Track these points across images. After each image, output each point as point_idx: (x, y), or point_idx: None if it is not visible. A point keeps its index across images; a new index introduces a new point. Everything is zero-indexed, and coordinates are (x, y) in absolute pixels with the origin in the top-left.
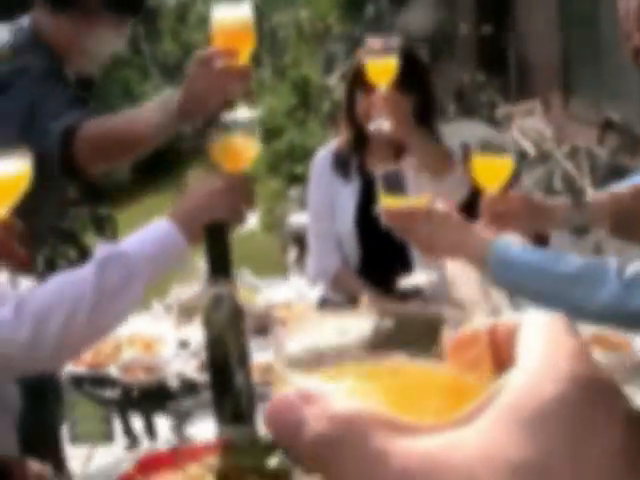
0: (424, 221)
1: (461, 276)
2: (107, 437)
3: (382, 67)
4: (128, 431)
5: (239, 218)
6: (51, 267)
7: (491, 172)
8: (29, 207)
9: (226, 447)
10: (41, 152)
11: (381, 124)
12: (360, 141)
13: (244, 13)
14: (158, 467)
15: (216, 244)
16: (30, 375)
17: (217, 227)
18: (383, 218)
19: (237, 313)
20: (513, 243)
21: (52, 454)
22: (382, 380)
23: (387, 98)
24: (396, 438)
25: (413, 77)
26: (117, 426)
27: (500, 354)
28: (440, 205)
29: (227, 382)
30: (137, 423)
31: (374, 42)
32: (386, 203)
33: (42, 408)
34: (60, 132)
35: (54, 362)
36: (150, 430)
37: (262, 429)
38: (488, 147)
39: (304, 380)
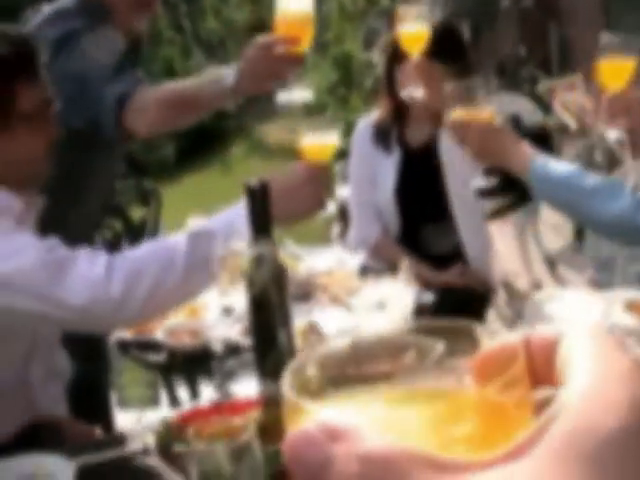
0: (482, 130)
1: (504, 249)
2: (153, 401)
3: (414, 36)
4: (172, 395)
5: (321, 207)
6: (98, 239)
7: (615, 72)
8: (84, 185)
9: (267, 402)
10: (92, 117)
11: (413, 91)
12: (400, 113)
13: (306, 5)
14: (200, 419)
15: (257, 204)
16: (82, 339)
17: (258, 188)
18: (449, 128)
19: (279, 272)
20: (551, 160)
21: (101, 417)
22: (408, 409)
23: (419, 66)
24: (439, 478)
25: (451, 47)
26: (163, 393)
27: (535, 369)
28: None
29: (269, 340)
30: (182, 393)
31: (406, 10)
32: (455, 114)
33: (91, 373)
34: (114, 99)
35: (135, 322)
36: (194, 394)
37: None
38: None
39: (324, 410)
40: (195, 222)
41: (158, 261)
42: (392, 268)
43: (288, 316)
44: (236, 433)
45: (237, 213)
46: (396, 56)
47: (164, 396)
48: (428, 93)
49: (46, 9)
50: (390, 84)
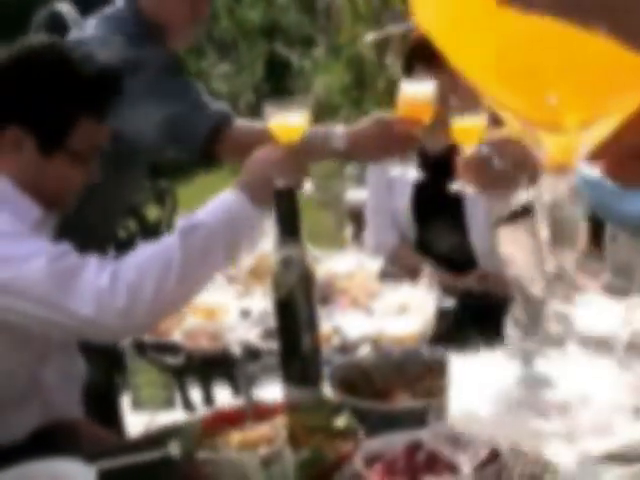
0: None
1: (517, 255)
2: (168, 404)
3: (468, 129)
4: (186, 399)
5: (298, 184)
6: (114, 239)
7: None
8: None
9: (293, 407)
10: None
11: (463, 187)
12: None
13: (429, 89)
14: (225, 424)
15: (285, 206)
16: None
17: (286, 189)
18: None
19: (307, 275)
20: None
21: (113, 419)
22: None
23: (470, 164)
24: None
25: None
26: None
27: None
28: None
29: (295, 344)
30: (195, 395)
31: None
32: (490, 135)
33: (105, 375)
34: (208, 128)
35: (144, 329)
36: (208, 398)
37: (328, 392)
38: None
39: None
40: (181, 219)
41: (157, 263)
42: (411, 274)
43: (314, 321)
44: (265, 440)
45: (222, 200)
46: (416, 56)
47: (179, 398)
48: (477, 186)
49: (99, 20)
50: None
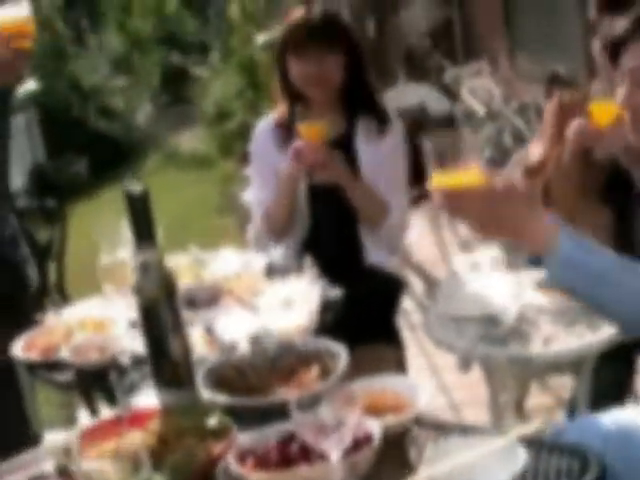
0: (482, 200)
1: (419, 238)
2: (69, 422)
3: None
4: (94, 413)
5: None
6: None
7: None
8: None
9: (167, 411)
10: None
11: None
12: (300, 107)
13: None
14: (101, 436)
15: (138, 211)
16: None
17: (138, 194)
18: (434, 199)
19: (166, 278)
20: (580, 239)
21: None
22: None
23: None
24: None
25: (339, 39)
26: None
27: None
28: (501, 180)
29: (162, 348)
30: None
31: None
32: (437, 180)
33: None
34: None
35: None
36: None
37: (205, 394)
38: None
39: None
40: None
41: None
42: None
43: (180, 323)
44: (129, 448)
45: None
46: (288, 48)
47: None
48: None
49: None
50: (285, 78)
